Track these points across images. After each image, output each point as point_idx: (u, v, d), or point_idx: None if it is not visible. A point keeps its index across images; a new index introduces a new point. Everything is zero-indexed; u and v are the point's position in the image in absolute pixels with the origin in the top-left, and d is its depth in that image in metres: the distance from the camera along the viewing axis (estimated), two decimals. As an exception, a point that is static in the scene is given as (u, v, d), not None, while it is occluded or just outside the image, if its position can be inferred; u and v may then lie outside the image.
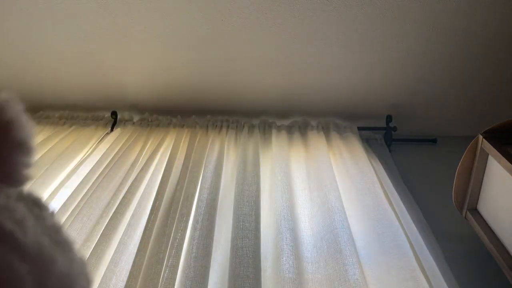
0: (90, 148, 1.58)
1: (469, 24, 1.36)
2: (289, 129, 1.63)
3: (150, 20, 1.41)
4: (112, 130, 1.69)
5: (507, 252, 1.02)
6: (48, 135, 1.60)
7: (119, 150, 1.50)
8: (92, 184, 1.32)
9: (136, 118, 1.75)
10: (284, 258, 1.05)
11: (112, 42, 1.51)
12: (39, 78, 1.71)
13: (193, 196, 1.27)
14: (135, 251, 1.08)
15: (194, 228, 1.13)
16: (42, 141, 1.54)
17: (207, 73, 1.62)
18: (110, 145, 1.53)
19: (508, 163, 0.99)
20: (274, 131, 1.59)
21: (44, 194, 1.32)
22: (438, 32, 1.39)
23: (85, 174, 1.36)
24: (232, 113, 1.76)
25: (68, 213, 1.20)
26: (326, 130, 1.61)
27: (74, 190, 1.29)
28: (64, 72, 1.67)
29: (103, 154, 1.47)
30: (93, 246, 1.09)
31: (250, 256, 1.04)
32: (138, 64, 1.61)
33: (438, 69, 1.53)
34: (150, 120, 1.71)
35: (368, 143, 1.64)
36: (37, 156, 1.45)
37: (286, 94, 1.68)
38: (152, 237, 1.12)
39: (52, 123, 1.71)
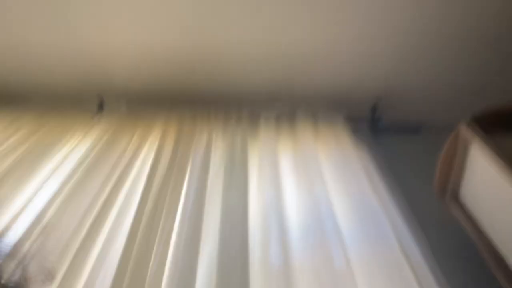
0: (77, 138, 1.56)
1: (458, 14, 1.37)
2: (277, 120, 1.64)
3: (136, 5, 1.39)
4: (99, 119, 1.66)
5: (488, 238, 1.05)
6: (34, 126, 1.58)
7: (106, 140, 1.49)
8: (78, 176, 1.31)
9: (123, 108, 1.73)
10: (272, 249, 1.06)
11: (99, 29, 1.49)
12: (23, 66, 1.68)
13: (181, 187, 1.27)
14: (124, 244, 1.08)
15: (182, 220, 1.14)
16: (28, 132, 1.52)
17: (194, 61, 1.60)
18: (97, 135, 1.51)
19: (490, 151, 1.01)
20: (262, 122, 1.59)
21: (30, 187, 1.30)
22: (425, 22, 1.39)
23: (71, 166, 1.35)
24: (220, 102, 1.75)
25: (55, 206, 1.19)
26: (313, 120, 1.62)
27: (61, 182, 1.28)
28: (49, 60, 1.64)
29: (90, 144, 1.46)
30: (80, 240, 1.09)
31: (238, 246, 1.05)
32: (125, 53, 1.59)
33: (424, 59, 1.54)
34: (137, 110, 1.69)
35: (355, 134, 1.65)
36: (23, 147, 1.44)
37: (274, 79, 1.67)
38: (140, 230, 1.12)
39: (38, 113, 1.68)
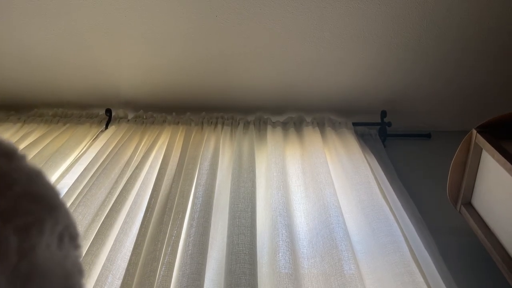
0: (85, 146, 1.57)
1: (463, 19, 1.36)
2: (284, 125, 1.64)
3: (143, 17, 1.41)
4: (106, 127, 1.68)
5: (501, 245, 1.03)
6: (42, 133, 1.59)
7: (114, 147, 1.49)
8: (87, 182, 1.31)
9: (130, 115, 1.75)
10: (280, 254, 1.05)
11: (106, 40, 1.50)
12: (32, 76, 1.70)
13: (188, 193, 1.26)
14: (131, 249, 1.08)
15: (190, 225, 1.13)
16: (36, 139, 1.53)
17: (201, 69, 1.61)
18: (105, 143, 1.52)
19: (502, 158, 1.00)
20: (269, 127, 1.59)
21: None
22: (432, 28, 1.39)
23: (79, 172, 1.36)
24: (227, 109, 1.76)
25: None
26: (321, 126, 1.62)
27: (69, 188, 1.28)
28: (58, 69, 1.66)
29: (98, 152, 1.46)
30: (88, 244, 1.08)
31: (246, 252, 1.04)
32: (132, 61, 1.60)
33: (432, 65, 1.53)
34: (144, 117, 1.70)
35: (363, 139, 1.64)
36: (31, 154, 1.44)
37: (281, 90, 1.68)
38: (148, 234, 1.12)
39: (46, 121, 1.70)
